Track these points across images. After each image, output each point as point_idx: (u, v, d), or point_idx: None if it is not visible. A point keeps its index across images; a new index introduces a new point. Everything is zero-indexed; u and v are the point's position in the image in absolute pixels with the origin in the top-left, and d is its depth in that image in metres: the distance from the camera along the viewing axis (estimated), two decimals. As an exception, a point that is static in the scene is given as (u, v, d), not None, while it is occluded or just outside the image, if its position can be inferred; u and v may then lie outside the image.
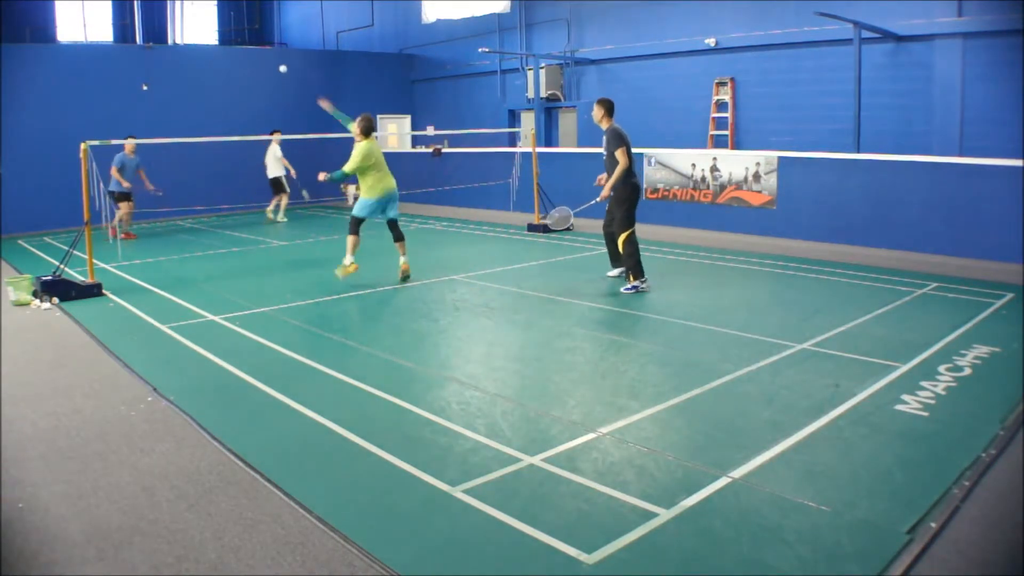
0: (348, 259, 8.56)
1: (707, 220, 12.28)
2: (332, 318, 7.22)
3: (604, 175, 8.22)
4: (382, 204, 8.61)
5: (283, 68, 15.59)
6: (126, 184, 12.49)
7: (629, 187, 8.03)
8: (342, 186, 18.13)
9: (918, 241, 9.88)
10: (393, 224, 8.75)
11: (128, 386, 5.30)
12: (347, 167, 8.51)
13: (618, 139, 7.93)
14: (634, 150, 13.39)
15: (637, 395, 4.86)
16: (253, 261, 10.79)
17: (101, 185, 8.89)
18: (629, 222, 8.04)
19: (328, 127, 18.09)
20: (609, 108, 8.10)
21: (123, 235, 12.46)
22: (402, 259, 8.77)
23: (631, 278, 7.93)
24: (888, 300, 7.31)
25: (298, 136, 15.37)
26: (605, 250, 10.70)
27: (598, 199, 8.27)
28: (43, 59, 15.18)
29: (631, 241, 7.97)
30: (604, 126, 8.11)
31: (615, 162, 7.95)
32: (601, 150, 8.25)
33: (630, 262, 7.92)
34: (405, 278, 8.71)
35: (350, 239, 8.58)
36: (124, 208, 12.59)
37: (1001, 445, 4.00)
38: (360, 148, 8.49)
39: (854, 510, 3.35)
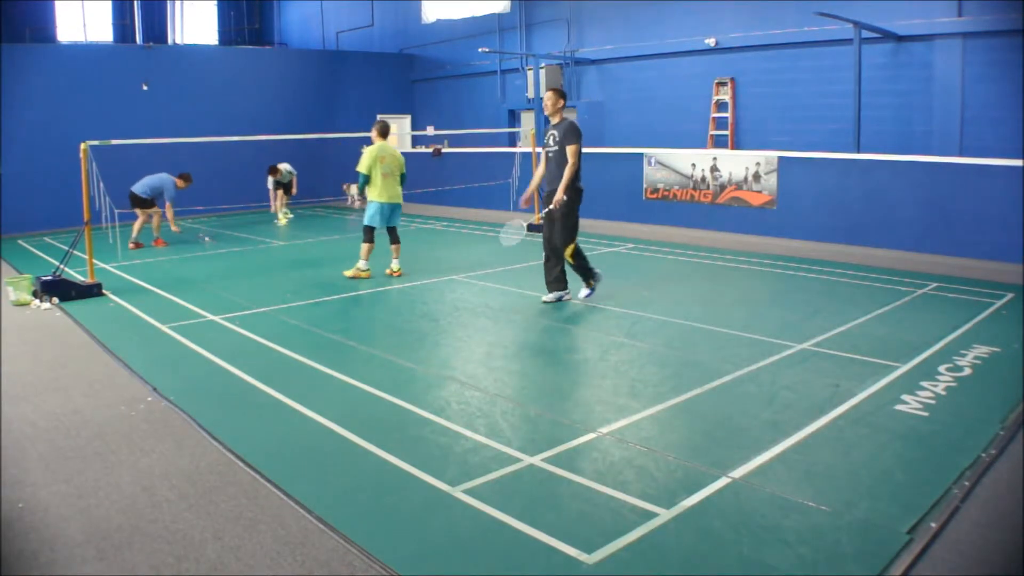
0: (363, 264, 8.90)
1: (707, 220, 12.28)
2: (332, 318, 7.22)
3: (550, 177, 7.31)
4: (387, 209, 8.86)
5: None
6: (174, 227, 12.11)
7: (575, 191, 7.22)
8: (344, 186, 18.15)
9: (918, 241, 9.88)
10: (392, 230, 9.08)
11: (128, 386, 5.30)
12: (359, 167, 8.82)
13: (576, 135, 7.09)
14: (633, 150, 13.51)
15: (637, 395, 4.86)
16: (253, 261, 10.78)
17: (101, 185, 8.87)
18: (574, 231, 7.28)
19: (326, 127, 18.16)
20: (565, 99, 7.37)
21: (134, 244, 12.10)
22: (394, 263, 9.11)
23: (587, 283, 7.54)
24: (888, 300, 7.31)
25: (298, 136, 15.37)
26: (604, 250, 10.75)
27: (552, 206, 7.12)
28: (43, 59, 15.18)
29: (576, 254, 7.36)
30: (556, 120, 7.25)
31: (565, 160, 7.09)
32: (543, 149, 7.43)
33: (579, 271, 7.45)
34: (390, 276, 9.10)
35: (394, 247, 9.03)
36: (142, 216, 11.92)
37: (1001, 445, 4.00)
38: (367, 150, 8.83)
39: (854, 510, 3.34)
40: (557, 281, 7.45)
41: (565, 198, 7.09)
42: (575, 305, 7.38)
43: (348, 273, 8.93)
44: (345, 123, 18.95)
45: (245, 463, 3.96)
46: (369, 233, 8.84)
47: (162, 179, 11.80)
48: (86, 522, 3.39)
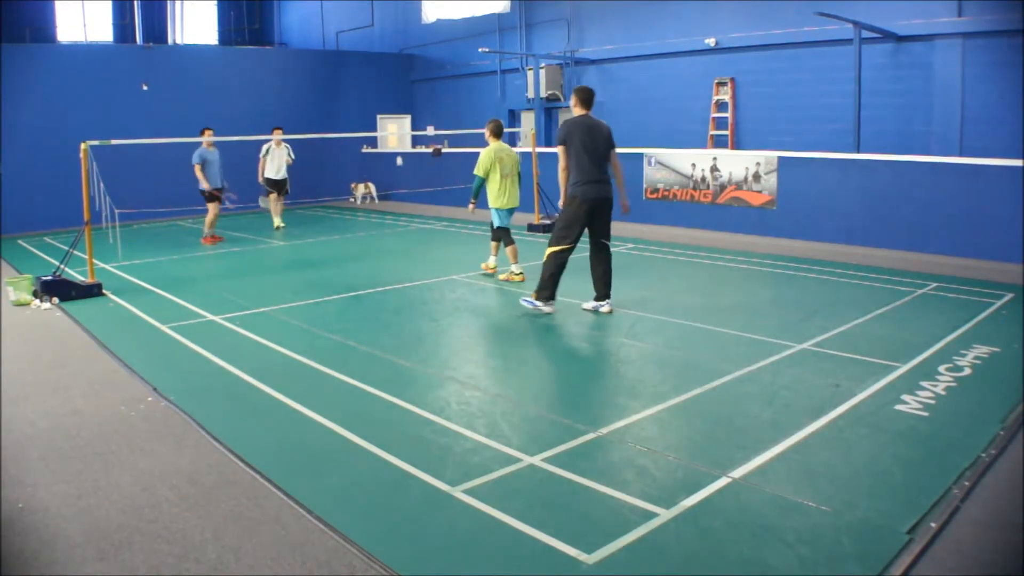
0: (516, 268, 8.57)
1: (707, 220, 12.28)
2: (332, 318, 7.22)
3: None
4: (510, 213, 8.65)
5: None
6: (206, 184, 11.87)
7: (569, 196, 6.78)
8: (352, 185, 18.14)
9: (918, 241, 9.88)
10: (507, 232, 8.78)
11: (128, 386, 5.30)
12: (476, 170, 8.48)
13: (558, 133, 6.80)
14: (634, 150, 13.47)
15: (637, 395, 4.86)
16: (253, 261, 10.78)
17: (101, 185, 8.86)
18: (559, 236, 6.80)
19: (326, 127, 18.16)
20: (580, 98, 6.83)
21: (209, 239, 12.18)
22: (514, 266, 8.63)
23: (535, 294, 6.92)
24: (888, 300, 7.31)
25: (298, 136, 15.34)
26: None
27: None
28: (43, 59, 15.17)
29: (553, 257, 6.80)
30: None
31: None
32: None
33: (543, 274, 6.85)
34: (490, 277, 8.85)
35: (509, 249, 8.58)
36: (212, 210, 12.08)
37: (1001, 445, 4.00)
38: (485, 151, 8.50)
39: (854, 510, 3.34)
40: (596, 288, 7.06)
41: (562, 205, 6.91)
42: (575, 305, 7.37)
43: (502, 276, 8.63)
44: (345, 123, 18.95)
45: (245, 463, 3.96)
46: (507, 234, 8.60)
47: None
48: (86, 522, 3.39)
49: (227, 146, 14.58)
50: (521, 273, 8.57)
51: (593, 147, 6.72)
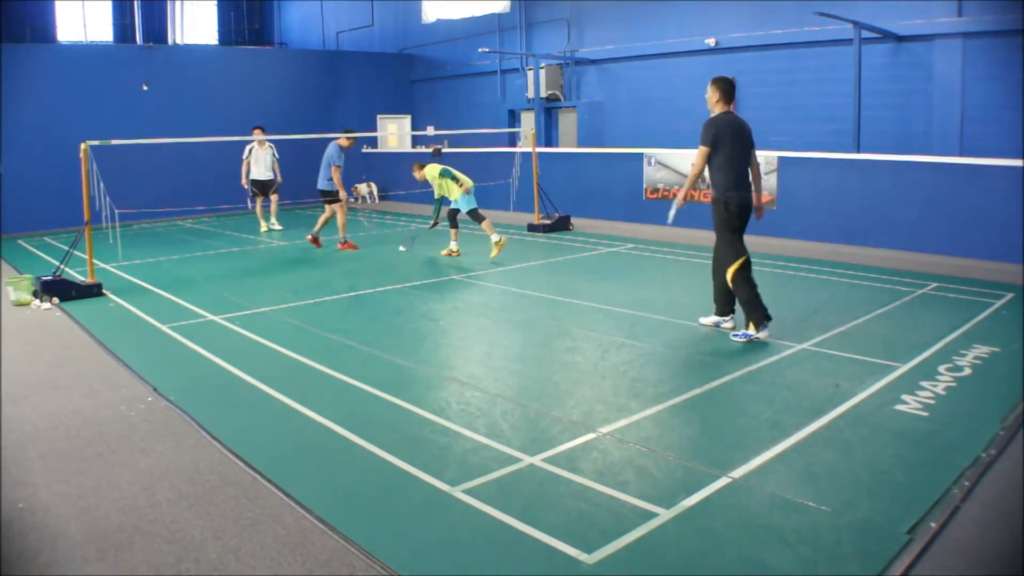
0: (454, 244, 10.37)
1: (707, 220, 12.19)
2: (332, 318, 7.22)
3: None
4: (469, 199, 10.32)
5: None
6: (343, 192, 11.18)
7: (720, 204, 6.16)
8: (355, 187, 18.18)
9: (918, 241, 9.87)
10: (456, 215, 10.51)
11: (128, 386, 5.30)
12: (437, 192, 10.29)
13: (703, 131, 6.12)
14: (633, 150, 13.47)
15: (637, 395, 4.86)
16: (253, 261, 10.78)
17: (101, 185, 8.86)
18: (732, 251, 6.10)
19: (326, 127, 18.15)
20: (723, 90, 6.15)
21: (348, 243, 11.30)
22: (454, 243, 10.41)
23: (749, 325, 6.04)
24: (888, 300, 7.31)
25: (297, 137, 15.32)
26: (604, 250, 10.75)
27: (671, 213, 6.29)
28: (43, 59, 15.19)
29: (736, 278, 6.05)
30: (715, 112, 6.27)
31: (710, 162, 6.17)
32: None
33: (743, 304, 6.09)
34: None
35: (455, 230, 10.38)
36: (341, 211, 11.28)
37: (1001, 445, 4.00)
38: (429, 171, 10.21)
39: (854, 510, 3.34)
40: (716, 302, 6.39)
41: (682, 204, 6.25)
42: (575, 305, 7.38)
43: (444, 252, 10.37)
44: (345, 123, 18.92)
45: (245, 463, 3.96)
46: (455, 216, 10.32)
47: (328, 149, 11.09)
48: (86, 522, 3.39)
49: (227, 146, 14.57)
50: (458, 250, 10.36)
51: (742, 149, 6.15)
